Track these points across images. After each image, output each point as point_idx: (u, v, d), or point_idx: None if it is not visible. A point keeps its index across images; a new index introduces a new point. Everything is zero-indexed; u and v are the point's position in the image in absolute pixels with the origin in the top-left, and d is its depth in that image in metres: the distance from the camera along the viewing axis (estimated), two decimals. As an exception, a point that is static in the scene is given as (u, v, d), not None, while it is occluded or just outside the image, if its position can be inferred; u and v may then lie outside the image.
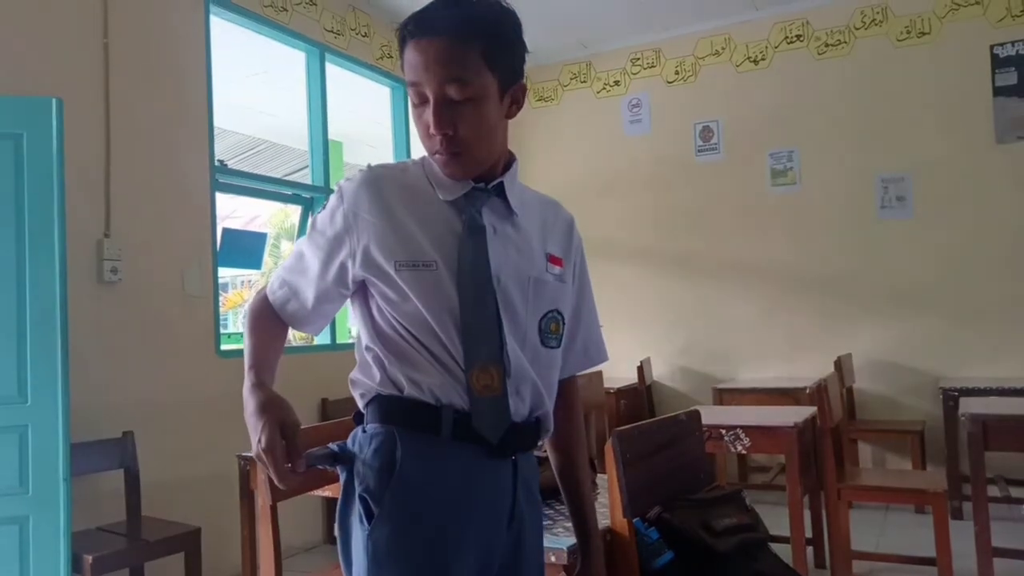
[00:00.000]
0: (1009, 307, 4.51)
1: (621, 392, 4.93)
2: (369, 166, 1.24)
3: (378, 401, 1.20)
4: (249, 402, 1.15)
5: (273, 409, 1.11)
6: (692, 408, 2.14)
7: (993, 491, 3.59)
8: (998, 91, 4.60)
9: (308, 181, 4.64)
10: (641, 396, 5.01)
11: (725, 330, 5.25)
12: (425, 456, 1.16)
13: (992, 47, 4.61)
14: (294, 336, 5.44)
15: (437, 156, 1.20)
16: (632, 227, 5.62)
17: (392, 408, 1.18)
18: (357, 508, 1.16)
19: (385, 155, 5.55)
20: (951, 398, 4.06)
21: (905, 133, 4.82)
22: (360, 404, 1.25)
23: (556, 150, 5.90)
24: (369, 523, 1.14)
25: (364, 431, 1.20)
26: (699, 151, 5.43)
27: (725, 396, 4.57)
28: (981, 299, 4.56)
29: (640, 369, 4.97)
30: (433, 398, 1.16)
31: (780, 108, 5.17)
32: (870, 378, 4.79)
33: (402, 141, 5.33)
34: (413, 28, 1.15)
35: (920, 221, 4.75)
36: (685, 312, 5.43)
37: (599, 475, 2.05)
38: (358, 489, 1.17)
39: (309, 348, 4.68)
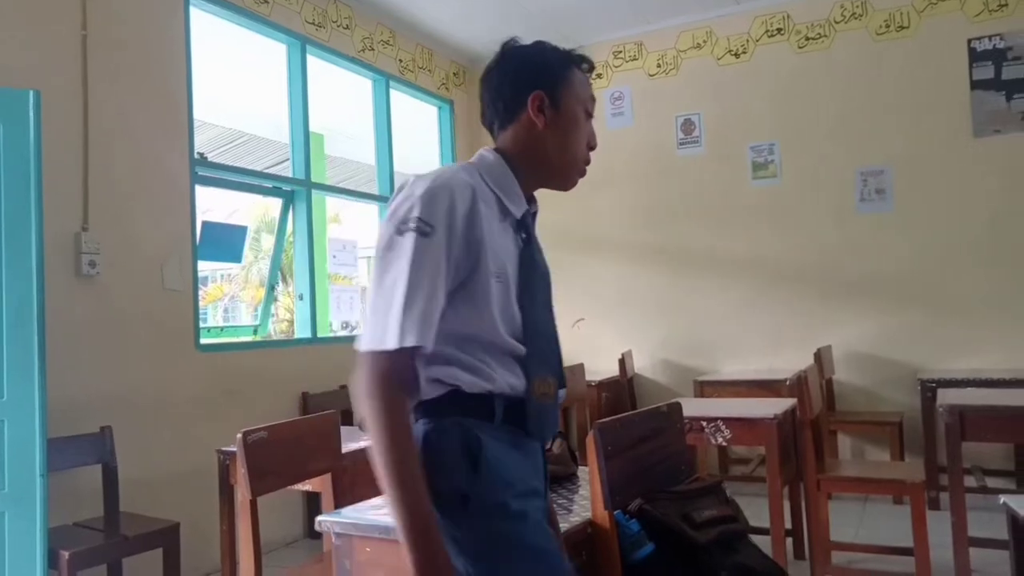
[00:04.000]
0: (986, 299, 4.56)
1: (603, 384, 4.95)
2: (444, 174, 1.22)
3: (450, 397, 1.20)
4: (420, 548, 1.09)
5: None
6: (673, 400, 2.15)
7: (970, 481, 3.64)
8: (975, 84, 4.64)
9: (289, 174, 4.60)
10: (623, 388, 5.03)
11: (706, 323, 5.27)
12: (502, 443, 1.21)
13: (969, 41, 4.65)
14: (274, 329, 5.41)
15: (582, 167, 1.38)
16: (614, 220, 5.63)
17: (468, 403, 1.20)
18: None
19: (367, 149, 5.52)
20: (929, 389, 4.10)
21: (884, 127, 4.86)
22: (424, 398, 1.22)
23: (539, 143, 5.88)
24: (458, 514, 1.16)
25: (434, 425, 1.20)
26: (681, 144, 5.44)
27: (706, 388, 4.59)
28: (959, 292, 4.61)
29: (622, 362, 4.98)
30: (495, 391, 1.21)
31: (761, 101, 5.19)
32: (849, 370, 4.83)
33: (384, 134, 5.29)
34: (589, 67, 1.40)
35: (899, 214, 4.80)
36: (666, 305, 5.44)
37: (581, 467, 2.05)
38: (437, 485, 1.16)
39: (290, 342, 4.65)
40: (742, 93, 5.23)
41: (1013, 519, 1.55)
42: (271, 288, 4.95)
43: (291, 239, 4.75)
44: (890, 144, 4.83)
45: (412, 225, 1.15)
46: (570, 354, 5.35)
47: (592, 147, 1.38)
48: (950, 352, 4.61)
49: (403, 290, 1.12)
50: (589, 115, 1.38)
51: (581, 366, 4.46)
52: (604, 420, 1.74)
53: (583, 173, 1.38)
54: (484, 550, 1.16)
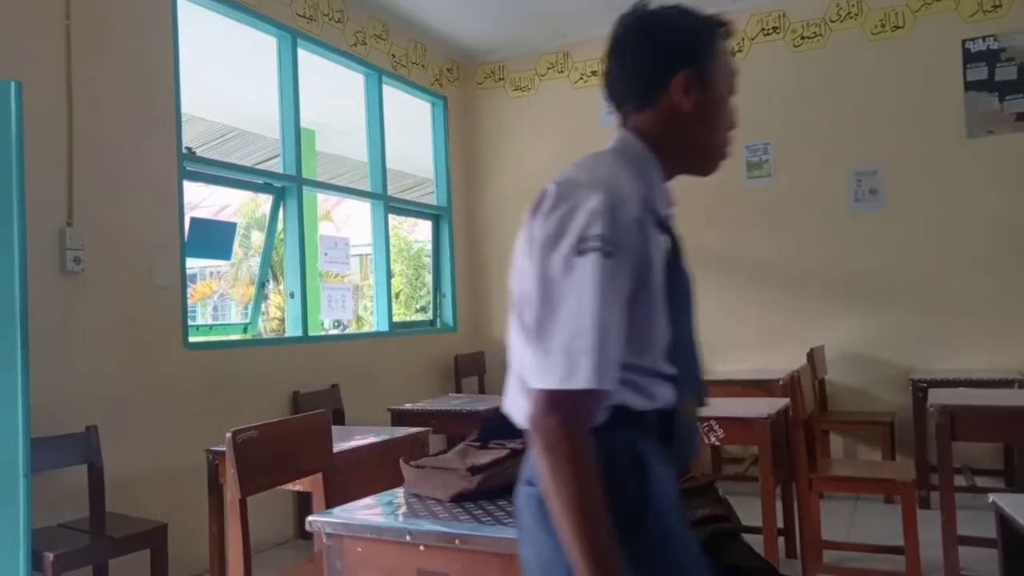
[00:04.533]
0: (978, 300, 4.56)
1: (596, 384, 4.91)
2: (609, 178, 1.08)
3: (615, 414, 1.08)
4: None
5: None
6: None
7: (959, 481, 3.64)
8: (969, 85, 4.64)
9: (280, 170, 4.56)
10: (616, 388, 5.00)
11: (699, 322, 5.24)
12: (660, 463, 1.12)
13: (964, 42, 4.65)
14: (264, 327, 5.37)
15: (725, 151, 1.23)
16: (608, 219, 5.59)
17: (631, 421, 1.10)
18: None
19: (359, 145, 5.48)
20: (920, 389, 4.10)
21: (878, 126, 4.85)
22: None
23: (533, 140, 5.87)
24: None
25: (600, 443, 1.05)
26: (675, 143, 5.41)
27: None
28: (951, 292, 4.61)
29: (615, 361, 4.96)
30: (653, 408, 1.12)
31: (756, 100, 5.16)
32: (842, 370, 4.82)
33: (376, 130, 5.26)
34: (727, 32, 1.21)
35: (892, 214, 4.79)
36: (660, 304, 5.42)
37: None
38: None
39: (281, 340, 4.61)
40: (738, 91, 5.19)
41: (1002, 518, 1.55)
42: (261, 286, 4.91)
43: (282, 236, 4.71)
44: (884, 144, 4.83)
45: (593, 244, 1.01)
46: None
47: (733, 127, 1.24)
48: (941, 352, 4.60)
49: (592, 322, 0.99)
50: (732, 92, 1.24)
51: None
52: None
53: (725, 156, 1.24)
54: None
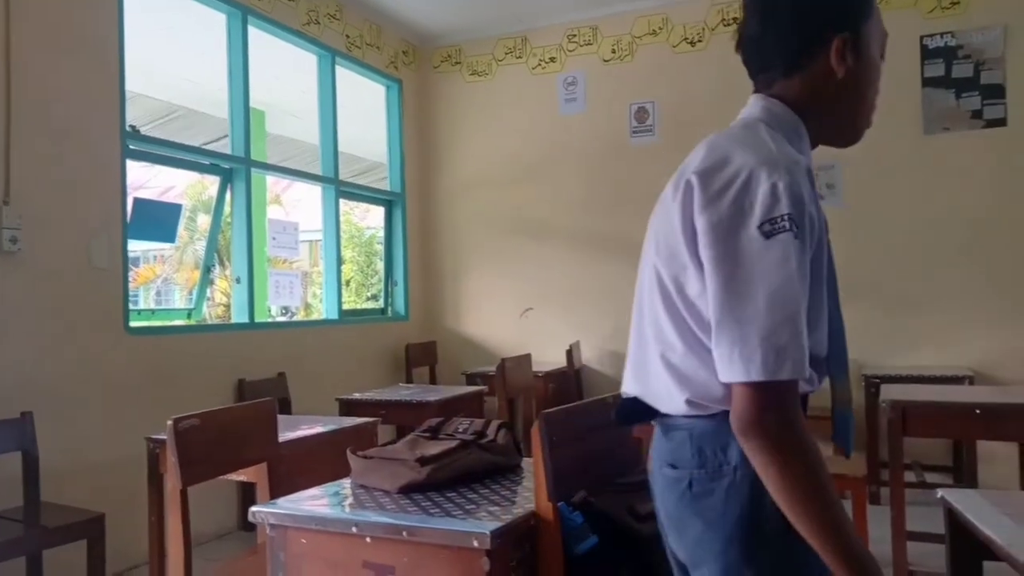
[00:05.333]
0: (931, 297, 4.66)
1: (550, 376, 4.91)
2: (780, 154, 1.02)
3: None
4: None
5: None
6: (620, 392, 2.10)
7: (910, 477, 3.71)
8: (927, 82, 4.72)
9: (227, 151, 4.41)
10: (570, 380, 5.00)
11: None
12: None
13: (922, 38, 4.72)
14: (209, 313, 5.22)
15: (871, 119, 1.18)
16: (564, 208, 5.58)
17: None
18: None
19: (310, 128, 5.35)
20: (873, 385, 4.16)
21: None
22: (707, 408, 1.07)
23: (489, 126, 5.81)
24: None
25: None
26: (634, 133, 5.41)
27: (652, 380, 4.57)
28: (905, 289, 4.70)
29: (569, 353, 4.95)
30: (809, 391, 1.09)
31: (716, 92, 5.18)
32: (793, 363, 4.88)
33: (328, 113, 5.13)
34: None
35: (849, 210, 4.85)
36: (616, 296, 5.42)
37: (525, 459, 1.99)
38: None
39: (226, 326, 4.49)
40: (697, 83, 5.22)
41: (950, 513, 1.56)
42: (207, 270, 4.75)
43: (229, 219, 4.57)
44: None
45: (784, 225, 0.96)
46: (517, 344, 5.31)
47: (877, 93, 1.18)
48: (895, 349, 4.69)
49: (793, 310, 0.95)
50: (883, 57, 1.18)
51: (528, 356, 4.41)
52: (550, 410, 1.68)
53: (870, 125, 1.19)
54: None
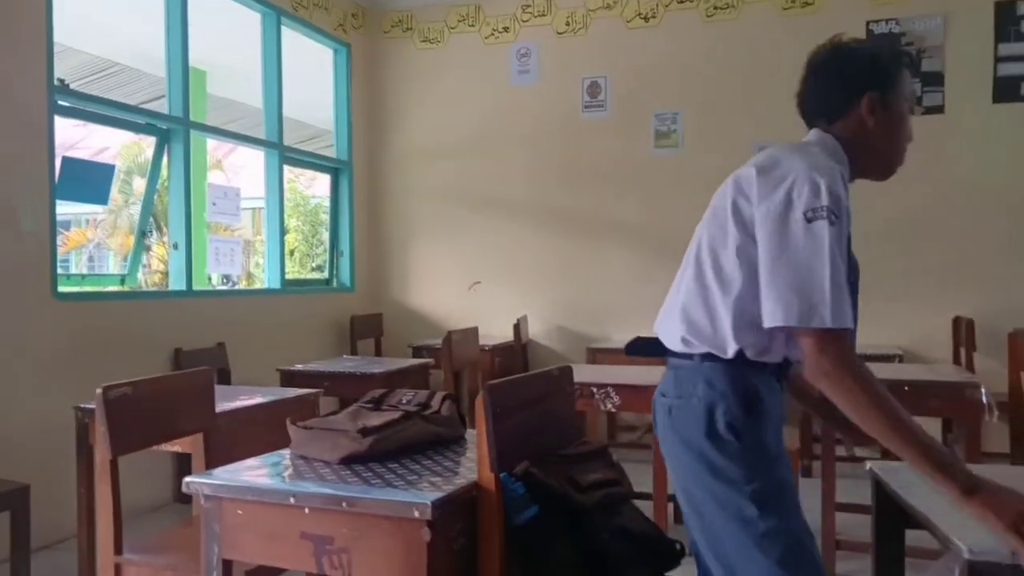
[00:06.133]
0: (877, 279, 4.76)
1: (496, 349, 4.91)
2: (826, 164, 1.35)
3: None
4: (964, 476, 1.21)
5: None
6: (564, 364, 2.10)
7: (840, 451, 3.83)
8: (870, 68, 4.83)
9: (165, 111, 4.24)
10: (516, 354, 5.00)
11: (602, 290, 5.31)
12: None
13: (868, 23, 4.81)
14: (146, 280, 5.04)
15: (902, 159, 1.50)
16: (515, 181, 5.55)
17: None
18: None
19: (254, 91, 5.18)
20: (806, 361, 4.27)
21: (784, 103, 4.93)
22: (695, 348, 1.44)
23: (440, 95, 5.72)
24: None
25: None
26: (586, 107, 5.40)
27: (598, 355, 4.62)
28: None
29: (516, 327, 4.95)
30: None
31: (667, 68, 5.21)
32: (735, 340, 4.98)
33: (272, 75, 4.97)
34: (908, 61, 1.45)
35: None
36: (564, 271, 5.44)
37: (469, 430, 1.98)
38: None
39: (162, 294, 4.34)
40: (649, 58, 5.23)
41: (877, 484, 1.61)
42: (142, 235, 4.58)
43: (166, 183, 4.40)
44: (788, 121, 4.92)
45: (824, 214, 1.27)
46: (464, 318, 5.28)
47: (909, 140, 1.50)
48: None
49: (831, 276, 1.25)
50: (911, 111, 1.50)
51: (475, 330, 4.39)
52: (494, 381, 1.66)
53: (900, 163, 1.51)
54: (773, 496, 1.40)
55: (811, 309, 1.24)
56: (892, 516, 1.58)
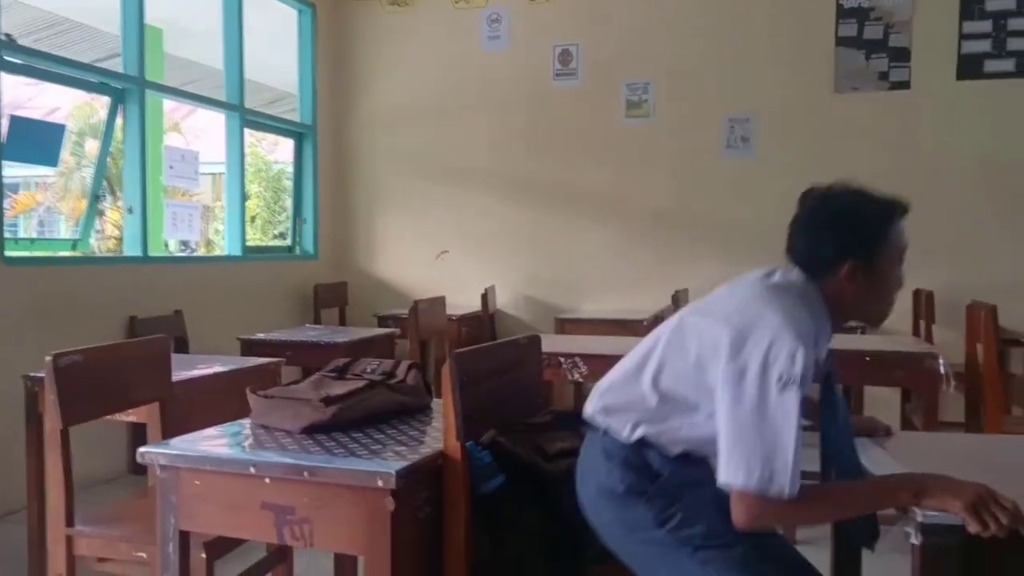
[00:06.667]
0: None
1: (464, 319, 4.87)
2: (804, 326, 1.32)
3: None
4: (920, 484, 1.23)
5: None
6: (532, 333, 2.08)
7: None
8: (840, 41, 4.83)
9: (120, 70, 4.07)
10: (484, 324, 4.98)
11: (571, 260, 5.30)
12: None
13: (838, -2, 4.82)
14: (100, 246, 4.90)
15: (888, 310, 1.47)
16: (484, 149, 5.49)
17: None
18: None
19: (215, 49, 5.01)
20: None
21: (753, 74, 4.98)
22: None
23: (409, 60, 5.61)
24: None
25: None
26: (557, 75, 5.34)
27: (566, 326, 4.62)
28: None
29: (484, 297, 4.92)
30: None
31: (639, 37, 5.16)
32: (701, 312, 5.02)
33: (233, 34, 4.81)
34: (906, 208, 1.46)
35: (761, 163, 4.97)
36: (533, 241, 5.41)
37: (435, 400, 1.95)
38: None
39: (117, 259, 4.21)
40: (621, 27, 5.18)
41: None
42: (95, 199, 4.42)
43: (120, 145, 4.25)
44: (757, 93, 4.97)
45: (797, 381, 1.27)
46: (432, 287, 5.22)
47: (900, 287, 1.47)
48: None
49: (795, 448, 1.26)
50: (901, 263, 1.46)
51: (442, 299, 4.34)
52: (461, 350, 1.64)
53: (889, 313, 1.49)
54: None
55: (771, 477, 1.25)
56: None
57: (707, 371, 1.36)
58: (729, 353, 1.32)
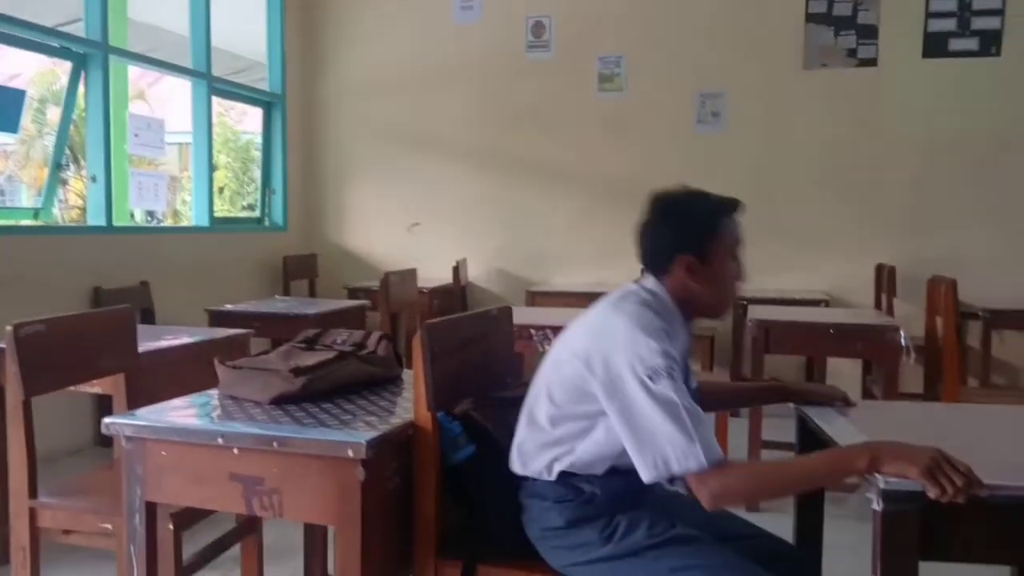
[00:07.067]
0: (800, 225, 4.92)
1: (435, 292, 4.86)
2: (654, 325, 1.41)
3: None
4: (863, 454, 1.25)
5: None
6: (504, 305, 2.09)
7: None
8: (810, 18, 4.85)
9: (82, 34, 3.95)
10: (455, 297, 4.97)
11: (543, 234, 5.30)
12: None
13: (807, -25, 4.83)
14: (63, 216, 4.79)
15: (732, 303, 1.59)
16: (456, 121, 5.44)
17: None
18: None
19: (180, 16, 4.88)
20: (741, 307, 4.38)
21: (725, 49, 4.98)
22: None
23: (380, 29, 5.52)
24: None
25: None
26: (530, 47, 5.29)
27: (538, 298, 4.65)
28: (778, 216, 4.92)
29: (456, 269, 4.90)
30: None
31: (612, 11, 5.14)
32: (671, 286, 5.07)
33: (200, 1, 4.68)
34: (736, 205, 1.58)
35: (731, 138, 5.00)
36: (505, 214, 5.40)
37: (406, 371, 1.95)
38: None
39: (80, 229, 4.12)
40: (594, 0, 5.14)
41: (800, 420, 1.68)
42: (56, 167, 4.31)
43: (83, 112, 4.14)
44: (728, 68, 4.98)
45: (663, 373, 1.34)
46: (403, 259, 5.20)
47: (740, 280, 1.56)
48: (763, 272, 4.90)
49: (692, 421, 1.31)
50: (736, 257, 1.54)
51: (413, 271, 4.33)
52: (432, 320, 1.63)
53: (732, 304, 1.60)
54: None
55: (685, 455, 1.29)
56: (813, 449, 1.64)
57: (586, 393, 1.42)
58: (598, 370, 1.39)
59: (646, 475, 1.34)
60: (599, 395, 1.40)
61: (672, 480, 1.47)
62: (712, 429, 1.36)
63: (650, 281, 1.53)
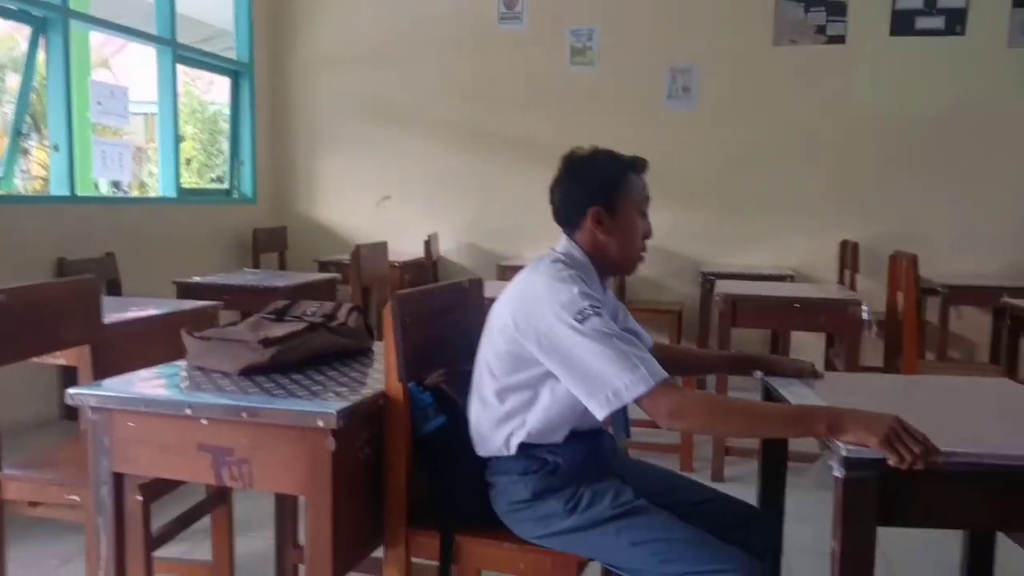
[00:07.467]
0: (767, 201, 4.98)
1: (406, 266, 4.85)
2: (572, 276, 1.47)
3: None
4: (827, 416, 1.28)
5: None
6: (475, 277, 2.09)
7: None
8: (783, -7, 4.87)
9: (40, -3, 3.84)
10: (426, 271, 4.96)
11: (514, 208, 5.29)
12: None
13: (779, -52, 4.84)
14: (25, 187, 4.67)
15: (639, 258, 1.63)
16: (426, 92, 5.39)
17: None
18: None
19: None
20: (709, 282, 4.45)
21: (697, 24, 4.99)
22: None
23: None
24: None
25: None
26: (502, 18, 5.24)
27: (508, 272, 4.62)
28: (746, 192, 4.99)
29: (427, 243, 4.89)
30: None
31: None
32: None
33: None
34: (643, 164, 1.64)
35: (701, 113, 5.02)
36: (476, 188, 5.38)
37: (377, 343, 1.95)
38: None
39: (42, 199, 4.03)
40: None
41: (766, 390, 1.71)
42: (16, 135, 4.19)
43: (44, 80, 4.02)
44: (699, 43, 4.99)
45: (589, 312, 1.39)
46: (374, 233, 5.17)
47: (647, 237, 1.62)
48: (731, 248, 5.01)
49: (627, 349, 1.36)
50: (643, 213, 1.60)
51: (384, 245, 4.30)
52: (403, 291, 1.63)
53: (641, 260, 1.63)
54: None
55: (633, 382, 1.33)
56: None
57: (524, 359, 1.46)
58: (529, 331, 1.43)
59: (600, 413, 1.36)
60: (537, 354, 1.43)
61: (628, 430, 1.56)
62: (652, 356, 1.40)
63: (562, 243, 1.59)
